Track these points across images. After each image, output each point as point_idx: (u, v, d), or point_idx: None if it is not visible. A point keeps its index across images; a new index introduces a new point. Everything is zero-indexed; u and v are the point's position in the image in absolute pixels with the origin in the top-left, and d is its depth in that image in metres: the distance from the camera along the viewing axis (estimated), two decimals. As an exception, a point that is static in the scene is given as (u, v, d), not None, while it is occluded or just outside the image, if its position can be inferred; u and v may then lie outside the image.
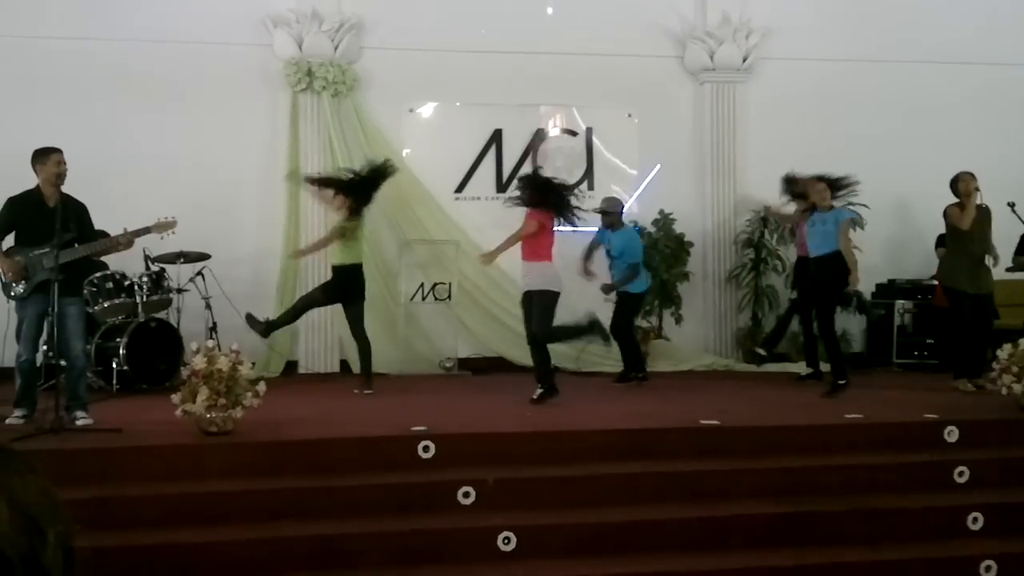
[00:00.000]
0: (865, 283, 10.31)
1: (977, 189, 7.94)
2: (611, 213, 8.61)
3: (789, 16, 10.53)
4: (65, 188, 6.33)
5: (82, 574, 1.06)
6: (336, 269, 8.24)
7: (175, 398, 5.78)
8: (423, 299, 9.79)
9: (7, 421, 6.24)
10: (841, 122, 10.51)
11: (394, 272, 9.86)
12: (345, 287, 8.12)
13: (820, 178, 8.34)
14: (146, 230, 6.74)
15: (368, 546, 5.03)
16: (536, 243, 7.27)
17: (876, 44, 10.54)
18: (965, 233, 7.96)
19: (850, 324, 10.43)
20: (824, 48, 10.48)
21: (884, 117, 10.58)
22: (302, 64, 9.61)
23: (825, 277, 7.85)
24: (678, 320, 10.30)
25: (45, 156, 6.30)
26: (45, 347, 6.25)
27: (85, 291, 8.00)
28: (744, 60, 10.49)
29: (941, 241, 9.23)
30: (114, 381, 8.00)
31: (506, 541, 5.05)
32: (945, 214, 8.16)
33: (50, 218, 6.16)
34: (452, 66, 9.93)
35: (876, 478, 5.77)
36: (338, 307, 9.16)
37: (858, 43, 10.55)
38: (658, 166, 10.44)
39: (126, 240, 6.61)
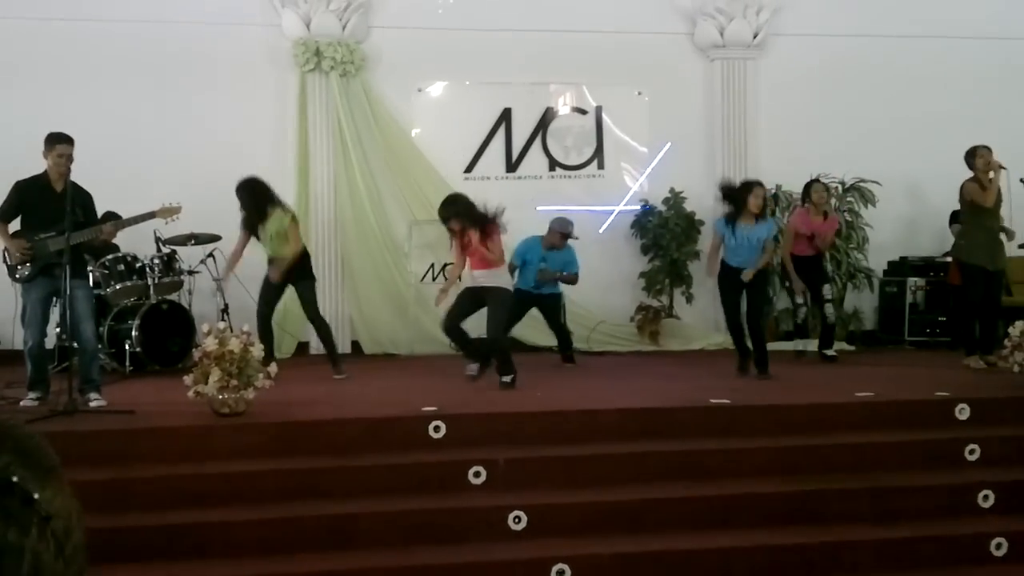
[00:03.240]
0: (876, 261, 10.36)
1: (1002, 166, 7.84)
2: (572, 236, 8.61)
3: (800, -9, 10.44)
4: (75, 169, 6.37)
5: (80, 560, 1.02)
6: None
7: (187, 379, 5.81)
8: (433, 279, 9.76)
9: (21, 403, 6.30)
10: (853, 99, 10.43)
11: (404, 253, 9.86)
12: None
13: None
14: (151, 215, 6.81)
15: (379, 526, 5.07)
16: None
17: (888, 19, 10.41)
18: (987, 209, 7.86)
19: (861, 302, 10.41)
20: (836, 24, 10.37)
21: (896, 94, 10.47)
22: (310, 44, 9.57)
23: None
24: (689, 299, 10.29)
25: (51, 145, 6.33)
26: (58, 329, 6.27)
27: (96, 273, 8.07)
28: (755, 36, 10.40)
29: (955, 217, 9.13)
30: (127, 363, 8.06)
31: (516, 520, 5.08)
32: (963, 189, 8.01)
33: (57, 202, 6.20)
34: (461, 45, 9.87)
35: (886, 456, 5.78)
36: (354, 288, 9.66)
37: (870, 18, 10.42)
38: (668, 144, 10.39)
39: (128, 225, 6.74)
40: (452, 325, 7.40)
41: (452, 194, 7.53)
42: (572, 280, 8.63)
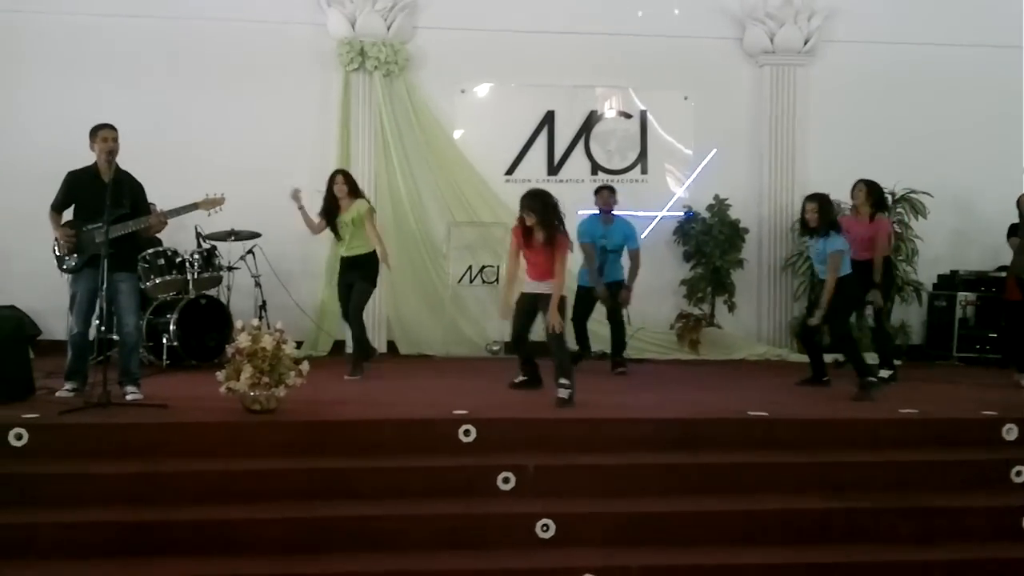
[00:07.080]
0: (926, 274, 10.12)
1: None
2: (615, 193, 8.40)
3: (853, -4, 10.26)
4: (120, 165, 6.41)
5: None
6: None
7: (220, 375, 5.81)
8: (471, 282, 9.75)
9: (57, 394, 6.33)
10: (905, 108, 10.24)
11: (442, 254, 9.83)
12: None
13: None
14: (193, 206, 6.80)
15: (406, 528, 5.01)
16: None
17: (944, 27, 10.22)
18: None
19: (909, 316, 10.18)
20: (889, 30, 10.20)
21: (950, 103, 10.25)
22: (355, 44, 9.59)
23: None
24: (731, 308, 10.13)
25: (96, 132, 6.41)
26: (98, 321, 6.30)
27: (137, 267, 8.10)
28: (805, 42, 10.25)
29: (1013, 231, 8.89)
30: (164, 357, 8.10)
31: (545, 528, 5.00)
32: (1019, 202, 7.89)
33: (104, 193, 6.19)
34: (506, 46, 9.84)
35: (928, 475, 5.62)
36: (392, 288, 9.54)
37: (925, 25, 10.24)
38: (714, 150, 10.26)
39: (172, 216, 6.74)
40: (519, 337, 6.93)
41: (538, 189, 6.89)
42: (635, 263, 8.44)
